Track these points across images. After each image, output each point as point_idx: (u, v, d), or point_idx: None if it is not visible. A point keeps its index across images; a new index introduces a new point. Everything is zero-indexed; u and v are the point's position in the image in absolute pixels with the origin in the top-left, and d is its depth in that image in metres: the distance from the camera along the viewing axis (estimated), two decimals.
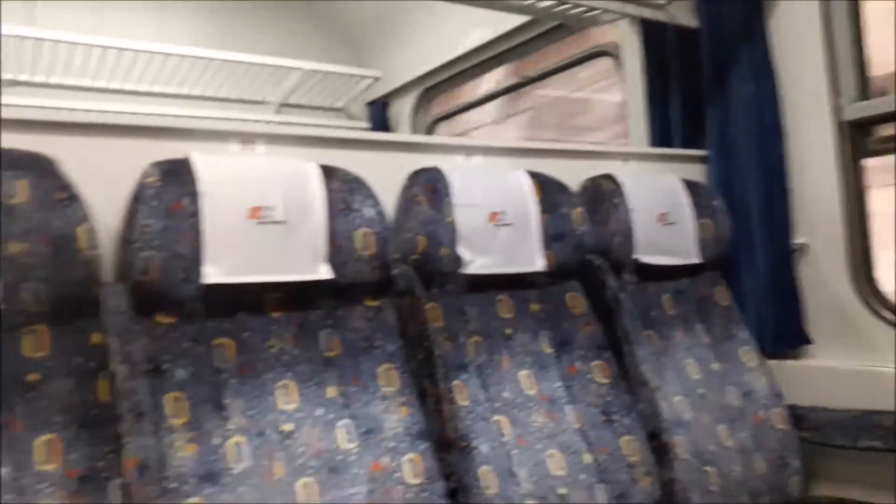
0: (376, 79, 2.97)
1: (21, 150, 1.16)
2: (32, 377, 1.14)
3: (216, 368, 1.30)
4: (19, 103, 2.46)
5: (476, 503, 1.37)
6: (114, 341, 1.18)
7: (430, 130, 3.22)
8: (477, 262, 1.61)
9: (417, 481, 1.35)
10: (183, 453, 1.20)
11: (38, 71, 2.48)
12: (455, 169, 1.64)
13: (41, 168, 1.16)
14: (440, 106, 3.19)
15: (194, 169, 1.29)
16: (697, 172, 2.15)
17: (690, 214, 1.94)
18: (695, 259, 1.95)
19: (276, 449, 1.28)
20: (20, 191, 1.13)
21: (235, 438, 1.26)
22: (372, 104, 3.17)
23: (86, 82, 2.55)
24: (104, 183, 1.27)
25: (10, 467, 1.08)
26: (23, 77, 2.46)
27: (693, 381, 1.84)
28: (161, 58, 2.50)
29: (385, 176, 1.60)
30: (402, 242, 1.56)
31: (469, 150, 1.79)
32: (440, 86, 3.04)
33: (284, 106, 3.00)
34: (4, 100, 2.43)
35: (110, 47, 2.37)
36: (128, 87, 2.64)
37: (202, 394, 1.27)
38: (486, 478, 1.43)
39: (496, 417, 1.54)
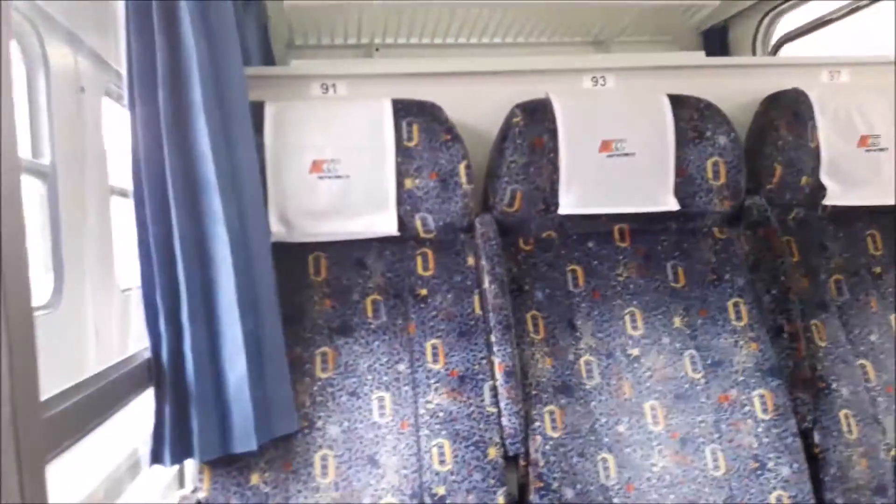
0: (714, 5, 2.77)
1: (412, 100, 1.37)
2: (422, 291, 1.36)
3: (569, 292, 1.41)
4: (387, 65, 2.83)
5: (835, 446, 1.28)
6: (485, 264, 1.34)
7: (774, 53, 2.92)
8: (844, 193, 1.45)
9: (767, 417, 1.31)
10: (542, 365, 1.34)
11: (399, 35, 2.82)
12: (818, 89, 1.49)
13: (429, 113, 1.35)
14: (786, 27, 2.86)
15: (553, 107, 1.38)
16: None
17: None
18: None
19: (624, 370, 1.35)
20: (414, 134, 1.34)
21: (586, 357, 1.36)
22: (707, 32, 2.98)
23: (437, 40, 2.85)
24: (474, 121, 1.44)
25: (406, 364, 1.32)
26: (388, 41, 2.83)
27: None
28: (501, 9, 2.66)
29: (737, 101, 1.52)
30: (756, 171, 1.48)
31: (835, 67, 1.60)
32: (786, 3, 2.73)
33: (615, 44, 2.98)
34: (375, 64, 2.82)
35: (459, 4, 2.59)
36: (472, 41, 2.88)
37: (557, 314, 1.38)
38: (847, 422, 1.33)
39: (860, 361, 1.41)
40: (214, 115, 1.13)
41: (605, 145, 1.37)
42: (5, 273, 0.69)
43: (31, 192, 1.52)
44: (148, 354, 1.11)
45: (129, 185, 1.43)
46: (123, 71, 1.12)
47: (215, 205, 1.13)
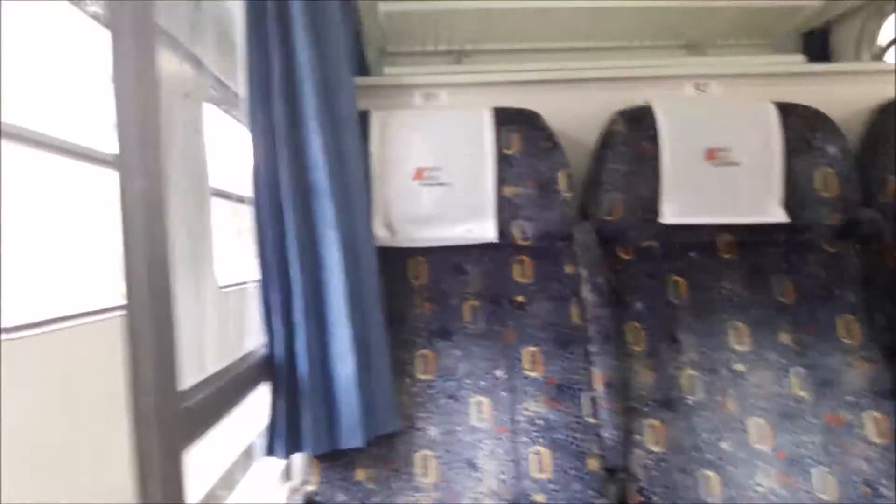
0: (816, 7, 2.66)
1: (512, 108, 1.38)
2: (520, 298, 1.37)
3: (670, 303, 1.38)
4: (475, 70, 2.85)
5: None
6: (584, 272, 1.34)
7: (879, 57, 2.78)
8: None
9: (881, 441, 1.25)
10: (642, 378, 1.32)
11: (491, 40, 2.83)
12: None
13: (529, 122, 1.37)
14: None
15: (655, 114, 1.36)
16: None
17: None
18: None
19: (727, 386, 1.32)
20: (514, 142, 1.35)
21: (689, 371, 1.33)
22: (808, 34, 2.86)
23: (529, 45, 2.84)
24: (572, 128, 1.44)
25: (503, 370, 1.33)
26: (480, 46, 2.85)
27: None
28: (593, 13, 2.64)
29: (845, 108, 1.46)
30: (868, 182, 1.41)
31: None
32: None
33: (711, 47, 2.91)
34: (475, 73, 2.85)
35: (551, 5, 2.58)
36: (564, 45, 2.86)
37: (658, 326, 1.37)
38: None
39: None
40: (326, 123, 1.18)
41: (710, 154, 1.35)
42: (151, 273, 0.74)
43: None
44: (264, 351, 1.16)
45: (235, 189, 1.48)
46: (242, 82, 1.18)
47: (326, 210, 1.17)
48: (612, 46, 2.95)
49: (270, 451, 1.16)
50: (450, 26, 2.67)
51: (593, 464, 1.24)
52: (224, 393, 0.96)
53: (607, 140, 1.38)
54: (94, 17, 1.25)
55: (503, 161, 1.35)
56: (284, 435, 1.15)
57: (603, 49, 2.97)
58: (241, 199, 1.67)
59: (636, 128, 1.36)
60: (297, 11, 1.15)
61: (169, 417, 0.77)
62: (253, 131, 1.17)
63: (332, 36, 1.22)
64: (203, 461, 1.13)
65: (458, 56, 2.90)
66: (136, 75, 0.71)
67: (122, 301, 0.80)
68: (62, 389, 0.90)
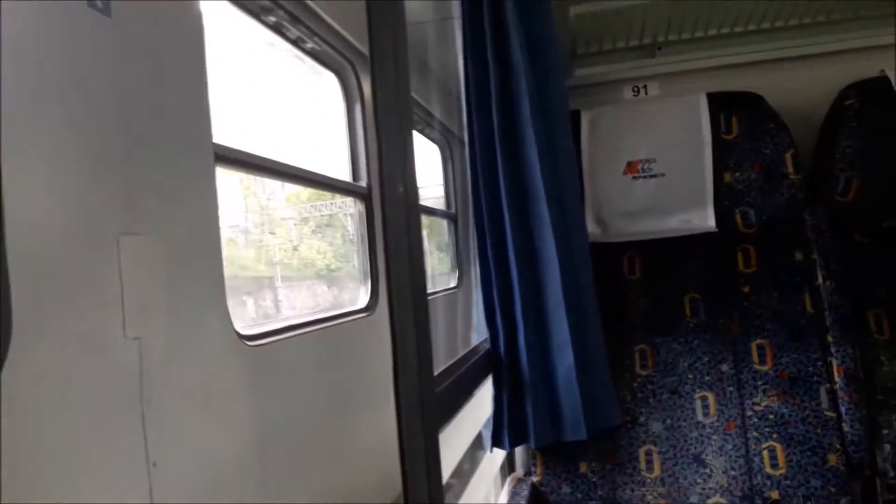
0: None
1: (730, 92, 1.34)
2: (744, 289, 1.32)
3: None
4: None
5: None
6: (818, 258, 1.26)
7: None
8: None
9: None
10: (889, 368, 1.22)
11: (683, 30, 2.72)
12: None
13: (750, 104, 1.32)
14: None
15: (893, 84, 1.25)
16: None
17: None
18: None
19: None
20: (734, 127, 1.31)
21: None
22: None
23: (725, 30, 2.70)
24: (793, 108, 1.36)
25: (729, 364, 1.28)
26: (672, 38, 2.76)
27: None
28: None
29: None
30: None
31: None
32: None
33: None
34: (687, 60, 2.76)
35: None
36: (763, 26, 2.69)
37: None
38: None
39: None
40: (540, 127, 1.22)
41: None
42: (412, 278, 0.82)
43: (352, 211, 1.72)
44: (487, 347, 1.23)
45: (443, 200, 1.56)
46: (462, 92, 1.26)
47: (542, 210, 1.21)
48: (821, 21, 2.72)
49: (497, 441, 1.21)
50: (642, 20, 2.61)
51: (833, 459, 1.16)
52: (462, 381, 1.03)
53: (838, 116, 1.29)
54: (312, 53, 1.38)
55: (722, 147, 1.31)
56: (509, 427, 1.20)
57: (800, 27, 2.75)
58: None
59: (871, 101, 1.26)
60: (514, 30, 1.20)
61: (427, 400, 0.84)
62: (471, 138, 1.24)
63: (545, 45, 1.26)
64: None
65: (652, 49, 2.82)
66: (399, 114, 0.79)
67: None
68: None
